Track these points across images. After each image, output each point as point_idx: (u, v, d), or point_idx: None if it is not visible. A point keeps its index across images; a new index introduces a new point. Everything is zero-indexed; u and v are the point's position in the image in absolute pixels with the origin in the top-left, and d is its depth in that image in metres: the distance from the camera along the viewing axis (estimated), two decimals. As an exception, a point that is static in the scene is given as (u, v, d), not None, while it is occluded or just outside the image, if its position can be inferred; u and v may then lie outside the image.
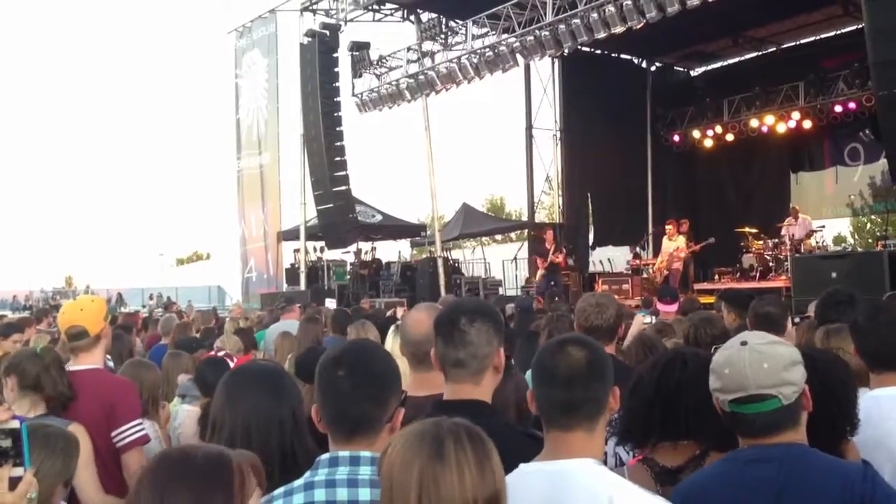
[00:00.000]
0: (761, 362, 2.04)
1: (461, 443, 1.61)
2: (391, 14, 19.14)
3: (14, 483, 1.82)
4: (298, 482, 1.99)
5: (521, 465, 2.04)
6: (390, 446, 1.64)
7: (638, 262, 18.52)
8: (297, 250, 21.14)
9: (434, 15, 18.34)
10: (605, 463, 2.27)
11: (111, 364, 5.14)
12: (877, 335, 2.99)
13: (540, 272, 16.61)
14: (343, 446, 2.02)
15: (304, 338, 6.43)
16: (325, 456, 2.01)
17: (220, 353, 5.13)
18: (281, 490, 1.99)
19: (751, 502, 2.03)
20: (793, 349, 2.12)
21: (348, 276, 20.56)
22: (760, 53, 20.26)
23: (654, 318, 6.75)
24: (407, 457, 1.60)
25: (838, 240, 28.29)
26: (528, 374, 2.59)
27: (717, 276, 16.72)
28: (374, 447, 1.99)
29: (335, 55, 19.01)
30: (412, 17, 18.81)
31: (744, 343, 2.09)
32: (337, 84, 19.00)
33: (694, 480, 2.23)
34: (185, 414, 4.55)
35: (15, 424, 1.86)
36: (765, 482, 2.01)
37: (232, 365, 4.47)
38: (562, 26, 14.34)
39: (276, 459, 2.38)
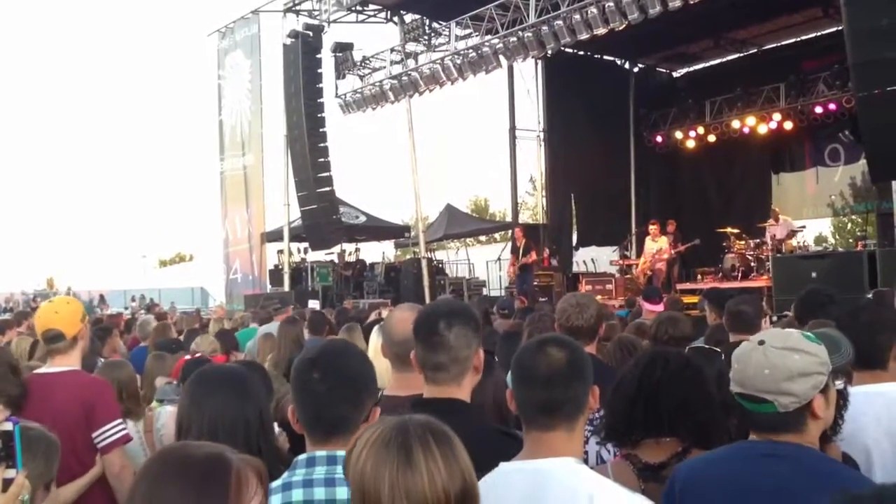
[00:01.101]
0: (764, 367, 2.02)
1: (428, 446, 1.60)
2: (374, 15, 19.12)
3: (6, 485, 1.83)
4: (276, 483, 1.99)
5: (501, 465, 2.05)
6: (356, 451, 1.62)
7: (622, 262, 18.61)
8: (280, 251, 21.07)
9: (417, 16, 18.33)
10: (586, 462, 2.29)
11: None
12: (856, 334, 3.03)
13: (512, 270, 16.74)
14: (320, 447, 2.04)
15: (282, 339, 6.41)
16: (302, 456, 2.03)
17: (196, 356, 5.14)
18: None
19: (751, 494, 2.04)
20: (809, 360, 2.03)
21: (332, 278, 20.52)
22: (742, 55, 20.40)
23: None
24: (376, 466, 1.59)
25: (819, 240, 28.57)
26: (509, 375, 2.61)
27: (699, 277, 16.80)
28: None
29: (318, 56, 18.95)
30: (395, 19, 18.78)
31: (761, 342, 2.07)
32: (320, 85, 18.94)
33: (698, 462, 2.24)
34: (167, 415, 4.54)
35: (8, 426, 1.86)
36: (769, 477, 2.02)
37: None
38: (545, 28, 14.37)
39: None
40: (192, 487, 1.39)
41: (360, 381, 2.10)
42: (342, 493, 1.94)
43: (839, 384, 2.17)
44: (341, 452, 1.99)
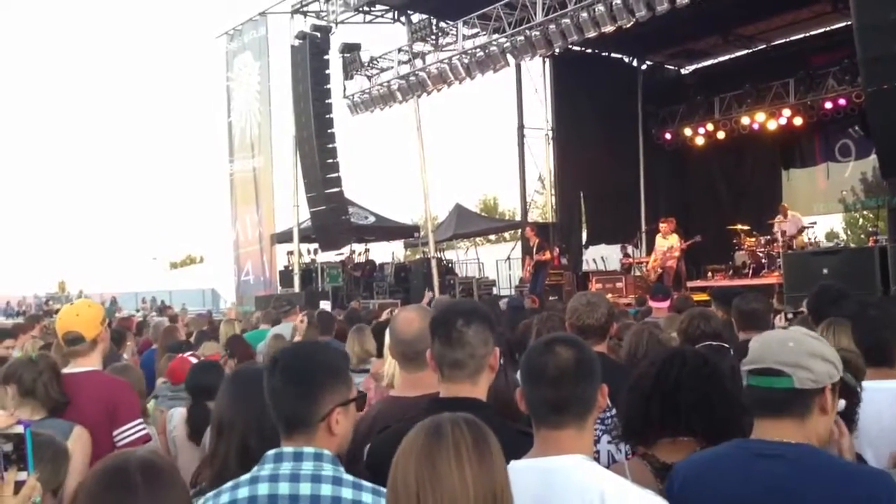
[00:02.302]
0: (788, 341, 2.07)
1: (459, 426, 1.66)
2: (382, 15, 19.14)
3: (18, 487, 1.85)
4: (245, 476, 2.06)
5: (512, 462, 2.06)
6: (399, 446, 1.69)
7: (630, 260, 18.57)
8: (290, 252, 21.11)
9: (424, 16, 18.33)
10: (597, 461, 2.29)
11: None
12: (864, 329, 3.04)
13: (528, 270, 16.71)
14: (287, 443, 2.10)
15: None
16: (271, 452, 2.09)
17: (188, 354, 5.21)
18: (229, 483, 2.07)
19: (759, 496, 2.02)
20: (829, 350, 2.10)
21: (342, 278, 20.55)
22: (750, 51, 20.30)
23: None
24: (406, 447, 1.66)
25: (831, 236, 28.43)
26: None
27: (709, 274, 16.75)
28: (314, 444, 2.07)
29: (326, 57, 18.99)
30: (403, 19, 18.80)
31: (785, 328, 2.14)
32: (328, 86, 18.99)
33: (695, 461, 2.24)
34: (179, 416, 4.57)
35: (19, 429, 1.89)
36: (775, 478, 2.00)
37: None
38: (552, 26, 14.36)
39: None
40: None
41: (313, 378, 2.13)
42: (305, 488, 1.99)
43: (841, 404, 2.17)
44: (308, 449, 2.06)
